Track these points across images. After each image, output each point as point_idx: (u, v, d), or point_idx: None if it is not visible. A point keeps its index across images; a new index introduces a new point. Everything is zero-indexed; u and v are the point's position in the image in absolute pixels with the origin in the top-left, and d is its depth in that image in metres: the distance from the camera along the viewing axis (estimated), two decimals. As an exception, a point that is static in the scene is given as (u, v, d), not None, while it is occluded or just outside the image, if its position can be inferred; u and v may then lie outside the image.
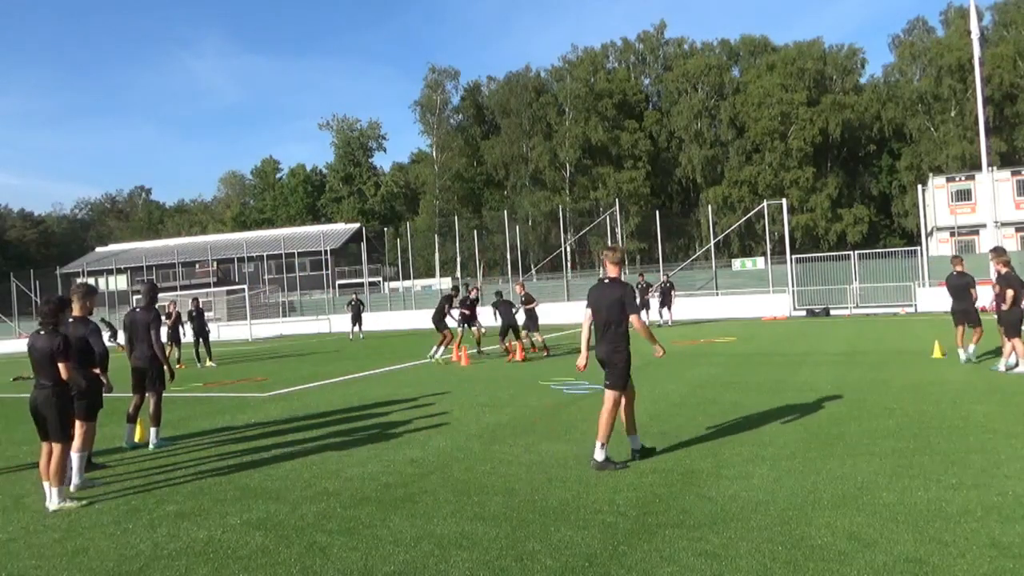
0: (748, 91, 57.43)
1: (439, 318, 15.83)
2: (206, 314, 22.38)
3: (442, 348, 15.75)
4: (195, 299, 21.32)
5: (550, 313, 32.18)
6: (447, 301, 16.16)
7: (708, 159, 58.86)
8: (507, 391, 10.67)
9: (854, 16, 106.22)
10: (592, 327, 6.26)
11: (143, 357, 7.85)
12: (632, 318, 5.98)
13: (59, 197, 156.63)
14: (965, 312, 11.32)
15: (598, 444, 5.91)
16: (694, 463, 5.91)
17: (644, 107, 64.05)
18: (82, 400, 6.25)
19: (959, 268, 11.57)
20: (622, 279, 6.23)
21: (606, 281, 6.14)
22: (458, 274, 51.87)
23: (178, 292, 42.18)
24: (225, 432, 8.56)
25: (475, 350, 16.80)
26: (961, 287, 11.38)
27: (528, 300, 16.57)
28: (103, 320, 16.55)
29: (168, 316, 17.77)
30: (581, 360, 6.28)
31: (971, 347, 11.34)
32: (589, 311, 6.22)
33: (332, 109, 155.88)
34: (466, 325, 16.69)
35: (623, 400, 6.06)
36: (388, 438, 7.62)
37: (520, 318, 16.41)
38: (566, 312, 31.93)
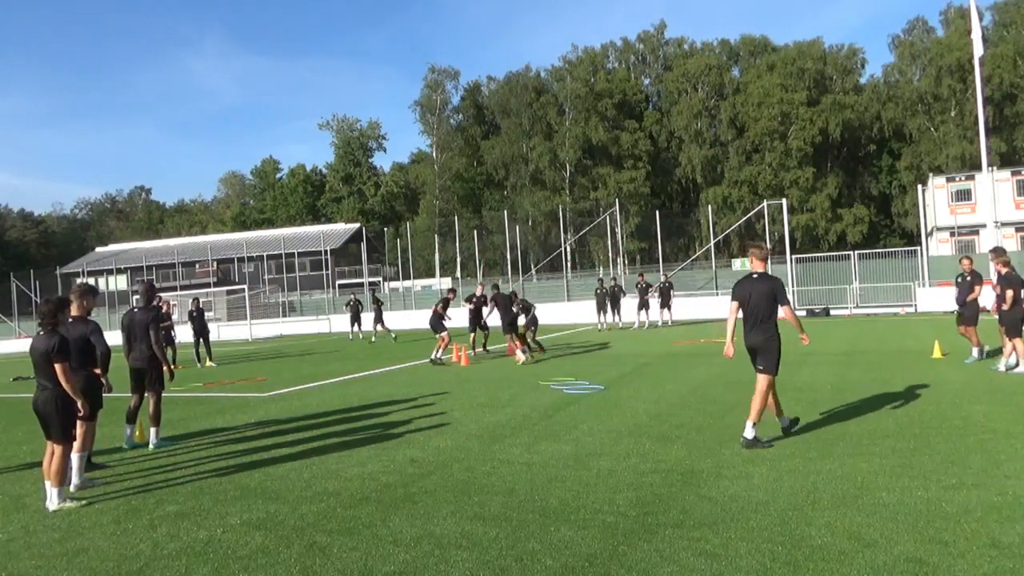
0: (748, 91, 57.40)
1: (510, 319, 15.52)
2: (206, 314, 22.40)
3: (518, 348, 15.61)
4: (195, 299, 21.33)
5: (550, 313, 32.24)
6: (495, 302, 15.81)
7: (708, 159, 58.84)
8: (507, 391, 10.67)
9: (854, 16, 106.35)
10: (737, 318, 6.70)
11: (141, 357, 7.84)
12: (784, 308, 6.46)
13: (59, 197, 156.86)
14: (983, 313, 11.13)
15: (749, 424, 6.36)
16: (694, 463, 5.91)
17: (644, 107, 64.02)
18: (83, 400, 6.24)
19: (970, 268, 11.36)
20: (769, 273, 6.69)
21: (754, 276, 6.62)
22: (458, 274, 51.87)
23: (178, 292, 42.21)
24: (225, 432, 8.56)
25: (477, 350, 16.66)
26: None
27: (480, 303, 16.33)
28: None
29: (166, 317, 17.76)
30: (728, 349, 6.83)
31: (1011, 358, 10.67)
32: (735, 304, 6.67)
33: (332, 109, 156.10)
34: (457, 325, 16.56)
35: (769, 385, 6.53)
36: (388, 438, 7.62)
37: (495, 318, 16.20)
38: (567, 312, 31.96)
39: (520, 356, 14.64)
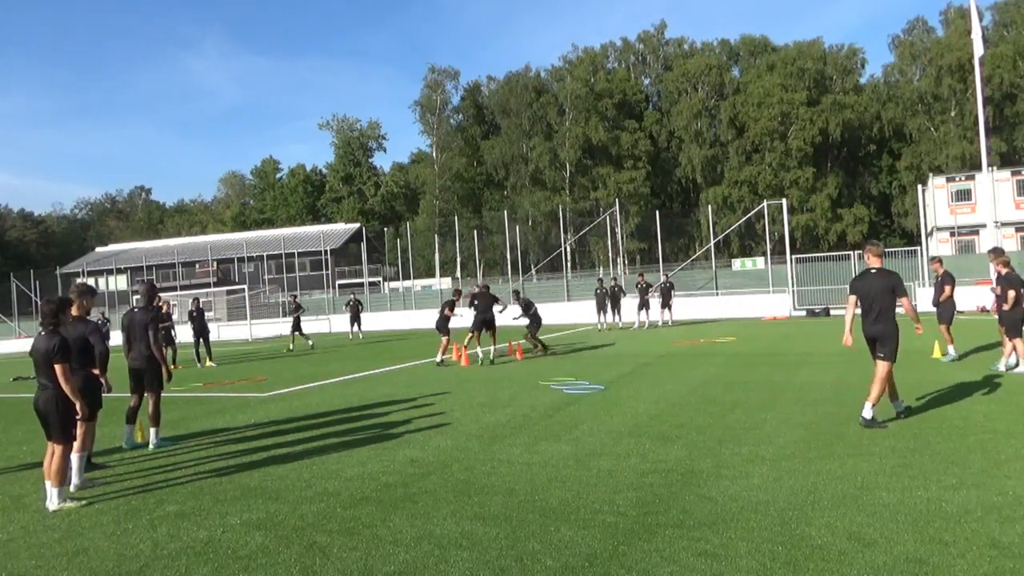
0: (748, 91, 57.39)
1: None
2: (206, 314, 22.37)
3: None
4: (195, 299, 21.33)
5: (550, 313, 32.20)
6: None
7: (708, 159, 58.84)
8: (507, 391, 10.67)
9: (854, 16, 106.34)
10: (857, 310, 7.21)
11: (140, 357, 7.84)
12: (903, 300, 6.94)
13: (59, 197, 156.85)
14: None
15: (868, 404, 6.89)
16: (694, 463, 5.91)
17: (644, 107, 64.01)
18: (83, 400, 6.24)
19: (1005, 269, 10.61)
20: (886, 268, 7.21)
21: (872, 271, 7.10)
22: (458, 274, 51.87)
23: (178, 292, 42.22)
24: (225, 432, 8.56)
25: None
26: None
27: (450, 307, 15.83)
28: None
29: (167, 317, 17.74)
30: (847, 339, 7.27)
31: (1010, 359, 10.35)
32: (854, 297, 7.20)
33: (332, 109, 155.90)
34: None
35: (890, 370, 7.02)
36: (388, 438, 7.62)
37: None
38: (567, 312, 31.94)
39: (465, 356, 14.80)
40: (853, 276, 7.77)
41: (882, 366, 6.98)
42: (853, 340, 7.22)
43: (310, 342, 24.02)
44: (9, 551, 4.70)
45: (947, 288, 11.89)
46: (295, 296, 29.86)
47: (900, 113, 55.52)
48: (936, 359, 11.88)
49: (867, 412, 6.89)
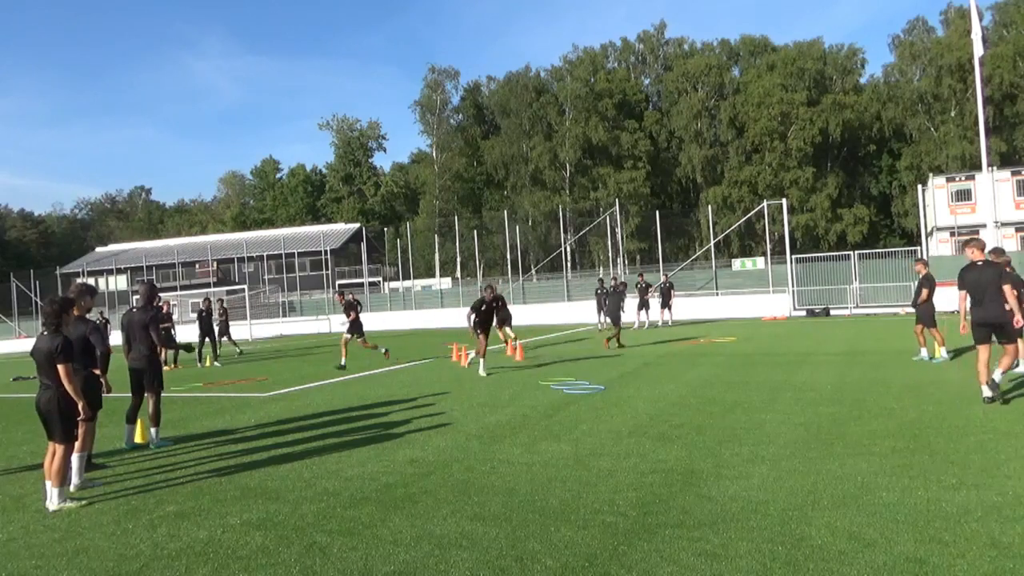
0: (748, 91, 57.40)
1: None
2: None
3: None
4: (207, 298, 21.38)
5: (550, 313, 32.24)
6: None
7: (708, 159, 58.85)
8: (507, 391, 10.67)
9: (854, 16, 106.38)
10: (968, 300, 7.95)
11: (140, 357, 7.84)
12: (1006, 288, 7.63)
13: (59, 197, 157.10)
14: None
15: (999, 371, 7.90)
16: (694, 463, 5.91)
17: (644, 107, 64.02)
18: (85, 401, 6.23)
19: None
20: (990, 260, 7.99)
21: (979, 264, 7.87)
22: (458, 274, 51.87)
23: (178, 292, 42.23)
24: (225, 432, 8.56)
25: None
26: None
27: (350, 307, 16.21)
28: None
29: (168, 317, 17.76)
30: (964, 328, 8.01)
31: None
32: (964, 292, 7.92)
33: (332, 109, 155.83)
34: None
35: (985, 354, 7.81)
36: (388, 438, 7.62)
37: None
38: (567, 312, 31.93)
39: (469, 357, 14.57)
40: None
41: (1010, 347, 7.92)
42: (967, 328, 7.95)
43: (238, 349, 23.14)
44: (9, 551, 4.70)
45: (924, 291, 11.94)
46: (222, 301, 28.85)
47: (900, 113, 55.51)
48: (935, 359, 11.86)
49: (997, 375, 7.79)
